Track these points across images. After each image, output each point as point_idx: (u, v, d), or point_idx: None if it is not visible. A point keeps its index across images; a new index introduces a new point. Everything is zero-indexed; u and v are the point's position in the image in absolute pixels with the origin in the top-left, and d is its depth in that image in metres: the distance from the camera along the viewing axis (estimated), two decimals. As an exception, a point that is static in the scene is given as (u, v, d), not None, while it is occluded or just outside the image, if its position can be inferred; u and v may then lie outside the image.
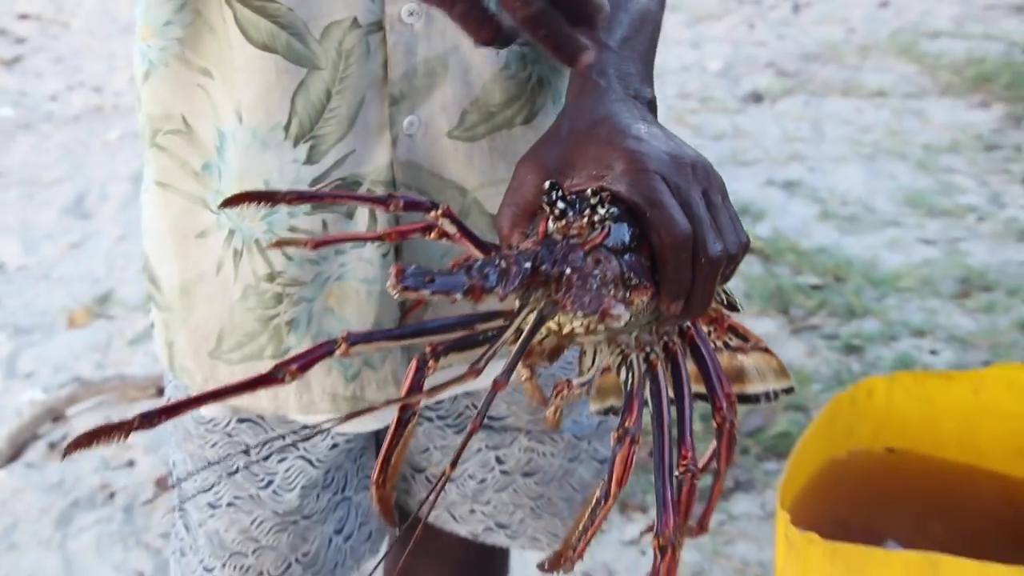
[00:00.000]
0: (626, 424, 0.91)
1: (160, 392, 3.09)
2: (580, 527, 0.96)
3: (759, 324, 3.38)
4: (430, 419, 1.47)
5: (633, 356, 0.96)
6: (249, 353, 1.31)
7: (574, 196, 0.93)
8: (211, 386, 1.30)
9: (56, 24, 5.74)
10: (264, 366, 1.28)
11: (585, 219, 0.92)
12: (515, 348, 0.90)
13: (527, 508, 1.54)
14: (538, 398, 1.01)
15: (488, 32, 0.87)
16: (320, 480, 1.42)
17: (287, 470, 1.40)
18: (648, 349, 0.98)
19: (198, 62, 1.18)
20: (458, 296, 0.86)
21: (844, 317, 3.45)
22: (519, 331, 0.91)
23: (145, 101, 1.26)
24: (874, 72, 5.24)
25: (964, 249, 3.86)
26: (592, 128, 1.00)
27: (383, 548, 1.75)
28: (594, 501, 0.94)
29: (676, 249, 0.93)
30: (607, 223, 0.92)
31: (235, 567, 1.43)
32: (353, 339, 0.91)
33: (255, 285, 1.27)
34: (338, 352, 0.91)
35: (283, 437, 1.39)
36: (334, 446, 1.41)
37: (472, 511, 1.55)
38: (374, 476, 1.07)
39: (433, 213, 1.03)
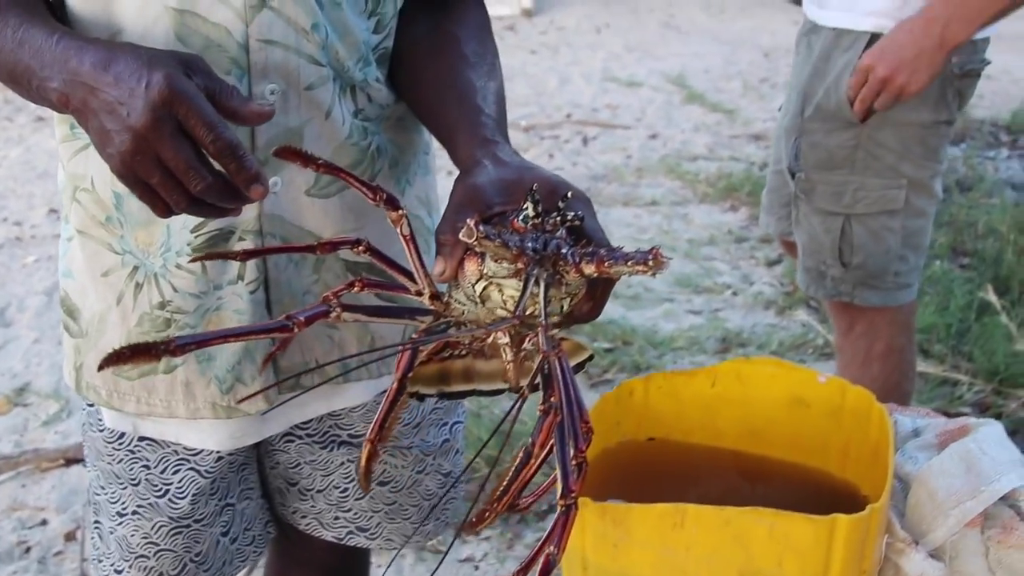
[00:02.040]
0: (551, 399, 0.91)
1: (68, 462, 2.97)
2: (501, 488, 0.94)
3: (565, 381, 3.39)
4: (300, 437, 1.45)
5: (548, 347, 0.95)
6: (145, 369, 1.29)
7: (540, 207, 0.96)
8: (115, 400, 1.32)
9: (-17, 175, 5.62)
10: (158, 380, 1.29)
11: (558, 218, 0.95)
12: (540, 308, 0.93)
13: (383, 513, 1.51)
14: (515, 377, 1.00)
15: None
16: (208, 488, 1.39)
17: (180, 480, 1.37)
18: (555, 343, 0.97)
19: None
20: (512, 251, 0.90)
21: (631, 372, 3.48)
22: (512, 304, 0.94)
23: (69, 163, 1.26)
24: (648, 187, 5.36)
25: (723, 316, 3.94)
26: (519, 171, 1.04)
27: (267, 553, 1.71)
28: (517, 462, 0.92)
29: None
30: (576, 221, 0.96)
31: (140, 568, 1.40)
32: (346, 307, 0.95)
33: (149, 312, 1.26)
34: (332, 315, 0.94)
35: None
36: (219, 459, 1.38)
37: (337, 518, 1.51)
38: (370, 435, 1.08)
39: (361, 246, 1.05)
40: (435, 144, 1.35)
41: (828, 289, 2.24)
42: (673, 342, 3.70)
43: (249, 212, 1.22)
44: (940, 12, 1.95)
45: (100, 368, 0.82)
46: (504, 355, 0.96)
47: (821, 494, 1.25)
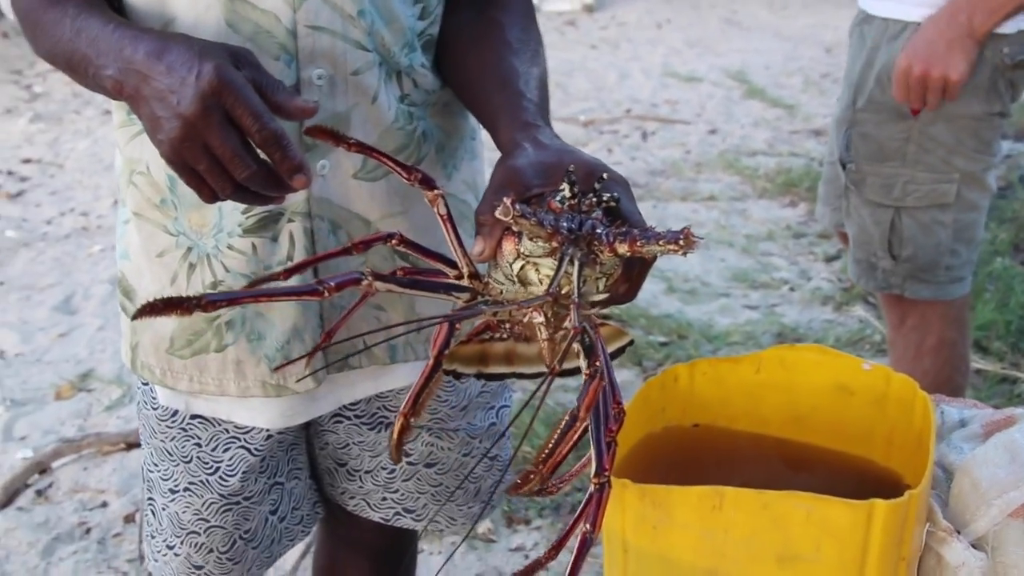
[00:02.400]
0: (595, 364, 0.92)
1: (129, 446, 3.03)
2: (546, 451, 0.94)
3: (618, 374, 3.37)
4: (348, 418, 1.47)
5: (586, 326, 0.95)
6: (197, 348, 1.33)
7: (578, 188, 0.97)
8: (168, 379, 1.35)
9: (53, 166, 5.76)
10: (209, 358, 1.32)
11: (595, 199, 0.96)
12: (574, 287, 0.93)
13: (429, 494, 1.53)
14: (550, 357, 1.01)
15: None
16: (257, 467, 1.41)
17: (230, 458, 1.40)
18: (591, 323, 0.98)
19: None
20: (547, 229, 0.90)
21: (686, 366, 3.46)
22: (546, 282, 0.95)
23: (126, 148, 1.29)
24: (706, 182, 5.34)
25: (780, 312, 3.91)
26: (558, 154, 1.05)
27: (317, 535, 1.73)
28: (562, 425, 0.93)
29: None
30: (611, 202, 0.97)
31: (191, 544, 1.43)
32: (378, 276, 0.95)
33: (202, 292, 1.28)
34: (364, 283, 0.95)
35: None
36: (269, 437, 1.41)
37: (384, 499, 1.53)
38: (404, 408, 1.10)
39: (394, 239, 1.05)
40: (483, 130, 1.36)
41: (879, 281, 2.22)
42: (729, 336, 3.68)
43: (298, 195, 1.24)
44: (963, 4, 1.96)
45: (134, 318, 0.85)
46: (539, 333, 0.97)
47: (864, 482, 1.24)
